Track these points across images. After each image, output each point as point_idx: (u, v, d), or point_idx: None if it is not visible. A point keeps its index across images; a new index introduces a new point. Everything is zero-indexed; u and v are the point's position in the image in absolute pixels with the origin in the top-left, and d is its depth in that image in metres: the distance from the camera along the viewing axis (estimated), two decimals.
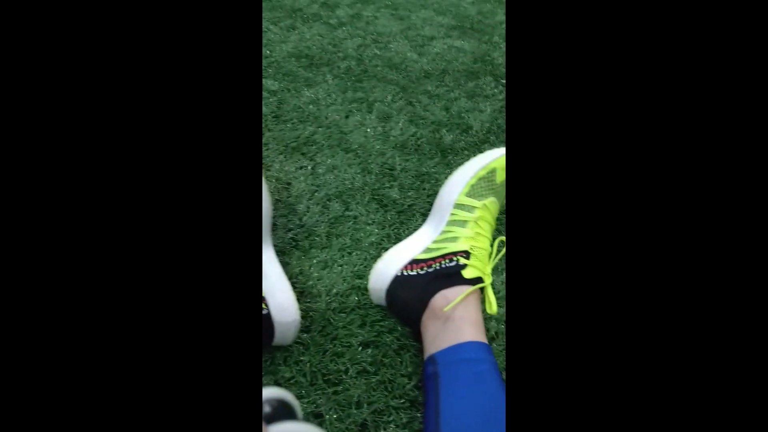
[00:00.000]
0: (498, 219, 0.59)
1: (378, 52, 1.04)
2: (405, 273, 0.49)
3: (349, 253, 0.58)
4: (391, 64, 1.00)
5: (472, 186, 0.51)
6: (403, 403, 0.45)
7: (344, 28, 1.11)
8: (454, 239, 0.48)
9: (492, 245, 0.50)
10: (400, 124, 0.82)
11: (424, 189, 0.69)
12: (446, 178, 0.56)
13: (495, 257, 0.49)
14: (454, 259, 0.47)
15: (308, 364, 0.46)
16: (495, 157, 0.52)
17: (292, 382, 0.45)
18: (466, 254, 0.47)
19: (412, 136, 0.80)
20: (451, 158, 0.75)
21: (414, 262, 0.49)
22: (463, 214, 0.49)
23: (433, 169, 0.73)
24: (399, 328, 0.50)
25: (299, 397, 0.44)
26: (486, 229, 0.50)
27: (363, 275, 0.56)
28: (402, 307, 0.48)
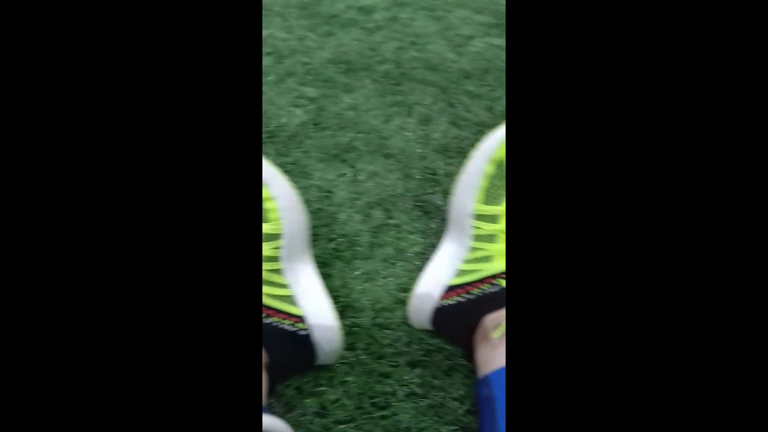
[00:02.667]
0: None
1: (416, 54, 1.01)
2: (445, 303, 0.45)
3: (393, 264, 0.55)
4: (429, 65, 0.97)
5: (486, 189, 0.45)
6: (455, 429, 0.41)
7: (381, 31, 1.09)
8: (488, 258, 0.44)
9: None
10: (441, 127, 0.79)
11: None
12: None
13: None
14: (495, 283, 0.42)
15: (354, 386, 0.43)
16: (497, 145, 0.44)
17: (337, 405, 0.42)
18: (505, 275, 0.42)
19: (455, 138, 0.76)
20: None
21: (451, 289, 0.45)
22: (487, 227, 0.44)
23: None
24: (448, 347, 0.47)
25: (346, 422, 0.41)
26: None
27: (408, 288, 0.53)
28: (449, 336, 0.45)
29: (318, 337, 0.42)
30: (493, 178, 0.45)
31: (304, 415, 0.41)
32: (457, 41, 1.05)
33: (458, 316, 0.44)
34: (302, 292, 0.43)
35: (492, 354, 0.40)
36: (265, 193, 0.42)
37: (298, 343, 0.42)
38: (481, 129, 0.78)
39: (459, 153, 0.72)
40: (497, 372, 0.39)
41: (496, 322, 0.41)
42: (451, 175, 0.68)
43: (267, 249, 0.42)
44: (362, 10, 1.23)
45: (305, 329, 0.42)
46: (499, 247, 0.43)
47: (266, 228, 0.42)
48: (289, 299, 0.43)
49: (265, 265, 0.42)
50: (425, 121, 0.80)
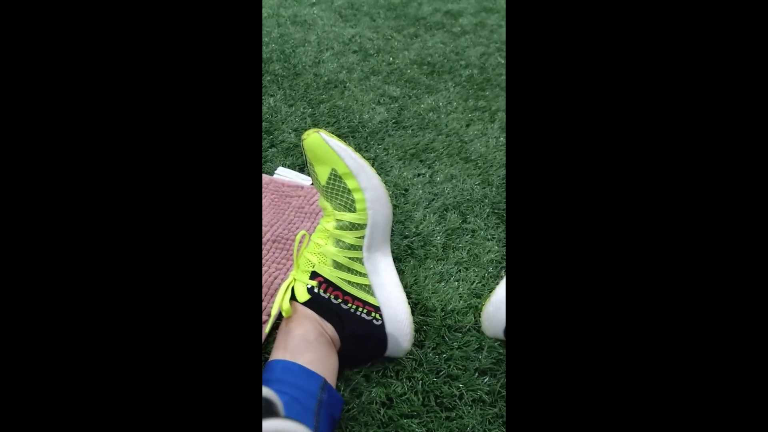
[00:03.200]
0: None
1: (501, 61, 0.99)
2: None
3: (466, 269, 0.55)
4: None
5: None
6: None
7: (467, 36, 1.09)
8: None
9: None
10: None
11: None
12: None
13: None
14: None
15: (421, 383, 0.43)
16: None
17: (404, 398, 0.42)
18: None
19: None
20: None
21: None
22: None
23: None
24: None
25: (411, 416, 0.41)
26: None
27: (480, 294, 0.52)
28: None
29: (391, 329, 0.43)
30: None
31: (371, 403, 0.41)
32: None
33: None
34: (380, 283, 0.44)
35: None
36: (353, 183, 0.43)
37: (372, 331, 0.43)
38: None
39: None
40: None
41: None
42: None
43: (351, 237, 0.43)
44: (449, 14, 1.23)
45: (380, 319, 0.43)
46: None
47: (352, 217, 0.43)
48: (368, 288, 0.44)
49: (348, 253, 0.43)
50: None
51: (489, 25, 1.16)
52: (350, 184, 0.43)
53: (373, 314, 0.43)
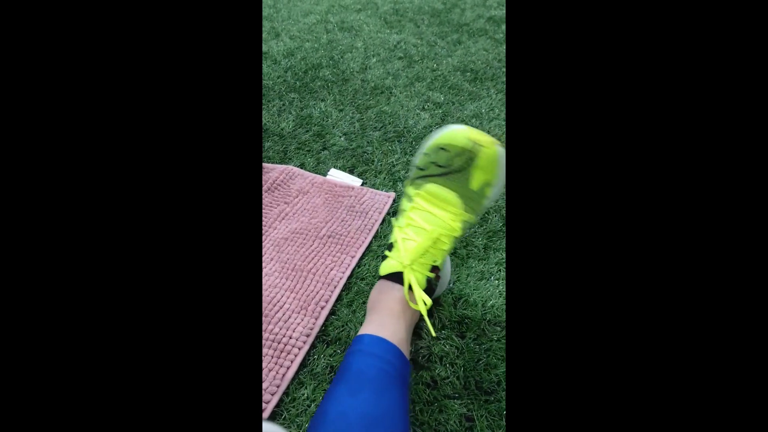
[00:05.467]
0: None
1: None
2: None
3: (505, 269, 0.59)
4: None
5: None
6: None
7: None
8: None
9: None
10: None
11: None
12: None
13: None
14: None
15: (462, 369, 0.48)
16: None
17: (447, 381, 0.47)
18: None
19: None
20: None
21: None
22: None
23: None
24: None
25: (452, 397, 0.46)
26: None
27: None
28: None
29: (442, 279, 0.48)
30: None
31: (417, 384, 0.46)
32: None
33: None
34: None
35: None
36: (489, 191, 0.47)
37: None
38: None
39: None
40: None
41: None
42: None
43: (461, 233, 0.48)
44: (492, 20, 1.25)
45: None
46: None
47: (474, 220, 0.49)
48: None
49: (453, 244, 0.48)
50: None
51: None
52: (487, 192, 0.47)
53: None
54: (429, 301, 0.43)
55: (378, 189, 0.71)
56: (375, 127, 0.84)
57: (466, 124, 0.86)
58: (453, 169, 0.45)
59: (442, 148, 0.46)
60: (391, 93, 0.93)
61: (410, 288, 0.44)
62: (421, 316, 0.48)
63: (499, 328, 0.52)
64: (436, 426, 0.44)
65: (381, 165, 0.75)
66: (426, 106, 0.90)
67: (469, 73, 1.01)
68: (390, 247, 0.48)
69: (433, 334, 0.43)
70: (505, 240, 0.63)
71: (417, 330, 0.52)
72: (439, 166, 0.46)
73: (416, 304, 0.44)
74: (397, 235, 0.46)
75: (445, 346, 0.50)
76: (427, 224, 0.45)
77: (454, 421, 0.44)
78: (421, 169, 0.47)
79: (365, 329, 0.43)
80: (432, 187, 0.46)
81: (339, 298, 0.55)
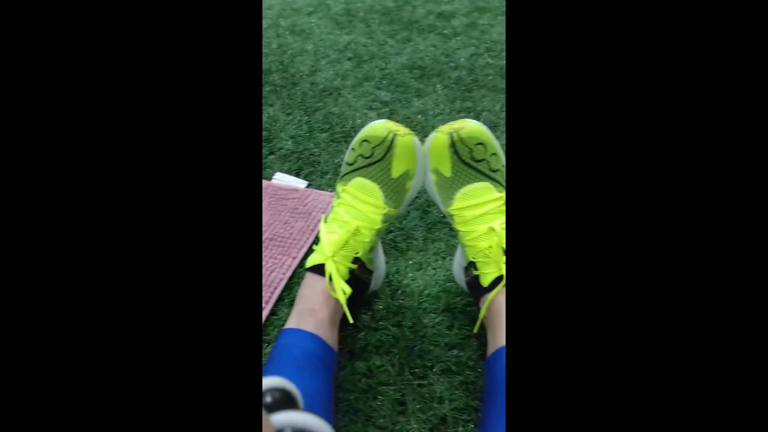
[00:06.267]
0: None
1: (490, 61, 1.04)
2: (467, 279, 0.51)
3: (443, 258, 0.61)
4: (503, 72, 1.00)
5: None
6: (480, 405, 0.46)
7: (458, 37, 1.14)
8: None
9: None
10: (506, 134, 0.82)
11: None
12: None
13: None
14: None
15: (397, 356, 0.50)
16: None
17: (381, 369, 0.49)
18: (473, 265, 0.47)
19: None
20: None
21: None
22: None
23: None
24: (485, 335, 0.52)
25: (386, 384, 0.48)
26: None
27: (454, 279, 0.58)
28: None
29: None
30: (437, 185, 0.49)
31: (353, 374, 0.48)
32: None
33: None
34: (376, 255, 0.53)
35: (490, 335, 0.46)
36: (409, 184, 0.49)
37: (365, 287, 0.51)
38: None
39: None
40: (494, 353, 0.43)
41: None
42: None
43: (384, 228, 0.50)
44: (442, 15, 1.28)
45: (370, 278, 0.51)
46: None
47: (395, 213, 0.50)
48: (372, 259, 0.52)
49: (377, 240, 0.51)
50: (492, 127, 0.84)
51: (480, 25, 1.20)
52: (408, 184, 0.49)
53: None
54: (348, 290, 0.45)
55: (324, 189, 0.72)
56: (322, 129, 0.85)
57: (413, 120, 0.88)
58: (375, 159, 0.48)
59: (365, 140, 0.48)
60: (339, 94, 0.95)
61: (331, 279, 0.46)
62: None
63: (434, 315, 0.54)
64: (369, 413, 0.46)
65: (327, 166, 0.77)
66: (373, 106, 0.92)
67: (416, 70, 1.03)
68: (316, 240, 0.50)
69: (351, 320, 0.45)
70: (444, 230, 0.65)
71: (354, 322, 0.54)
72: (365, 158, 0.48)
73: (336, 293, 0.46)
74: (322, 230, 0.48)
75: (382, 337, 0.52)
76: (349, 217, 0.47)
77: (388, 407, 0.46)
78: (350, 164, 0.49)
79: (288, 323, 0.45)
80: (358, 180, 0.48)
81: (280, 299, 0.56)
